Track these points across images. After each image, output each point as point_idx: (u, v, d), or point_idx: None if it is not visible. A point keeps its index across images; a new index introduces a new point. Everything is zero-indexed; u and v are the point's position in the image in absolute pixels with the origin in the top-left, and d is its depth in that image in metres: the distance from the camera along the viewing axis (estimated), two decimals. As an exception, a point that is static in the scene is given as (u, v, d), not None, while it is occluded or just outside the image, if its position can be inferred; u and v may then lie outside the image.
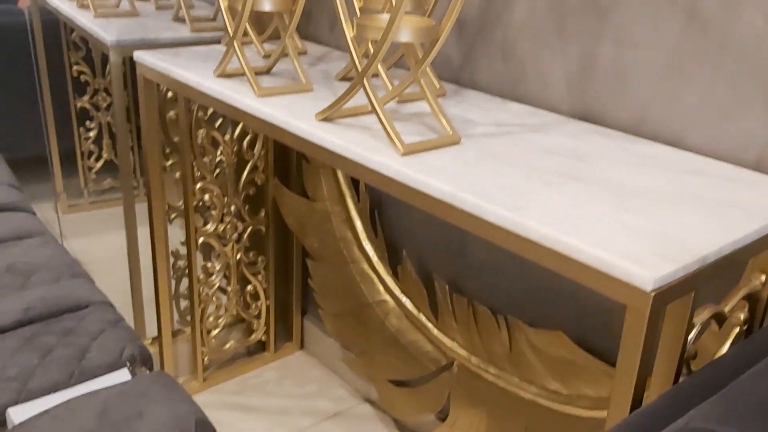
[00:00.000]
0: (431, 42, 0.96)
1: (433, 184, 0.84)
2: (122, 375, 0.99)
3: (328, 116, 1.04)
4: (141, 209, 1.68)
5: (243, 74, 1.19)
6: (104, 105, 2.56)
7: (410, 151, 0.92)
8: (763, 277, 0.87)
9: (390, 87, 1.10)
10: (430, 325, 1.44)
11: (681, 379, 0.78)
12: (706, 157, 0.97)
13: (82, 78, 2.50)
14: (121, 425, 0.86)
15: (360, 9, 1.10)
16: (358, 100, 0.99)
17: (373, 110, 0.94)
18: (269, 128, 1.08)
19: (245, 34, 1.30)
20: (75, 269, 1.22)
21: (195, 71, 1.27)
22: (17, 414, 0.91)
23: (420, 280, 1.45)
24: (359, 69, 0.95)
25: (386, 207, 1.55)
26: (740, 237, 0.74)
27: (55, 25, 2.37)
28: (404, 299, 1.49)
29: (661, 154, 0.98)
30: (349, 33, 0.97)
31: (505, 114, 1.13)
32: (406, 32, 0.94)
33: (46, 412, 0.89)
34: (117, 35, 1.53)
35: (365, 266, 1.57)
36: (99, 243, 2.37)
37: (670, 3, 0.98)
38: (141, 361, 1.03)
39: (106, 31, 1.57)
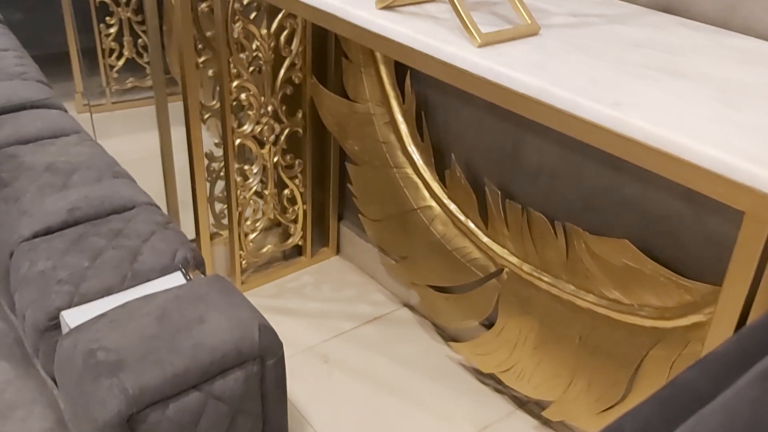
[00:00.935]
0: None
1: (518, 78, 0.76)
2: (176, 279, 0.96)
3: (389, 4, 0.95)
4: (170, 109, 1.62)
5: (290, -41, 1.09)
6: (124, 0, 2.44)
7: (488, 41, 0.84)
8: None
9: (455, -28, 1.00)
10: (479, 231, 1.40)
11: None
12: (808, 53, 0.88)
13: (100, -30, 2.37)
14: (183, 330, 0.83)
15: None
16: (425, -15, 0.91)
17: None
18: (325, 17, 1.00)
19: None
20: (116, 169, 1.17)
21: (236, -45, 1.17)
22: (71, 317, 0.89)
23: (469, 186, 1.40)
24: (431, -51, 0.86)
25: (433, 109, 1.47)
26: None
27: None
28: (452, 205, 1.44)
29: (757, 48, 0.89)
30: None
31: (580, 4, 1.03)
32: None
33: (102, 315, 0.86)
34: None
35: (410, 171, 1.50)
36: (125, 144, 2.31)
37: None
38: (194, 264, 0.99)
39: None
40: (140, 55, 2.55)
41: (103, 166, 1.16)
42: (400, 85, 1.49)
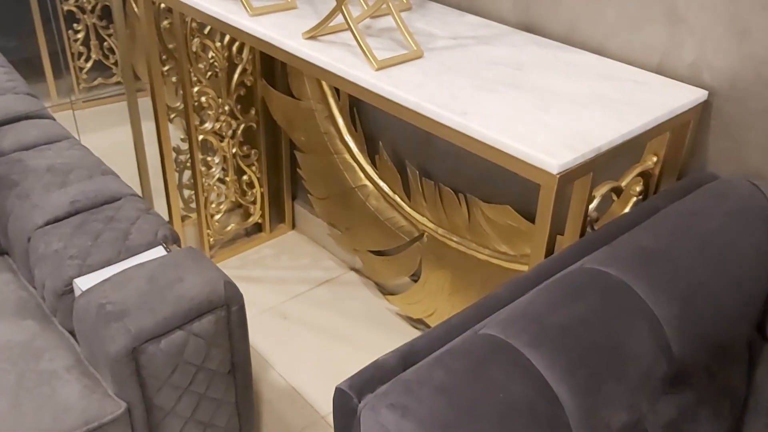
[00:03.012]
0: (397, -29, 1.15)
1: (401, 95, 1.07)
2: (158, 251, 1.25)
3: (313, 35, 1.24)
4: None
5: (235, -6, 1.37)
6: (89, 7, 2.67)
7: (382, 66, 1.14)
8: (655, 158, 1.13)
9: (365, 6, 1.30)
10: (404, 204, 1.71)
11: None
12: (621, 63, 1.20)
13: (66, -18, 2.59)
14: (167, 287, 1.13)
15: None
16: (339, 18, 1.20)
17: (352, 33, 1.15)
18: (263, 45, 1.29)
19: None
20: (103, 167, 1.44)
21: (192, -9, 1.45)
22: (83, 283, 1.18)
23: (394, 167, 1.71)
24: (338, -3, 1.15)
25: (364, 104, 1.77)
26: (630, 130, 0.99)
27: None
28: (381, 183, 1.75)
29: (586, 61, 1.21)
30: (328, -34, 1.16)
31: (462, 26, 1.34)
32: (376, -35, 1.13)
33: (106, 280, 1.15)
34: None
35: (347, 156, 1.81)
36: (97, 140, 2.57)
37: (594, -68, 1.18)
38: (171, 240, 1.29)
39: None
40: (106, 57, 2.79)
41: (92, 165, 1.44)
42: (335, 85, 1.78)
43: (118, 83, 2.82)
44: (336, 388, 0.76)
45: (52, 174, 1.40)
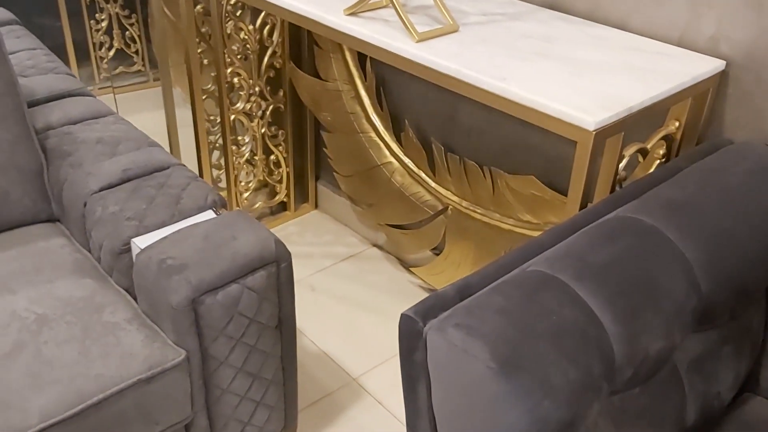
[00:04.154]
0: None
1: (443, 63, 1.15)
2: (209, 215, 1.33)
3: (354, 11, 1.33)
4: (154, 94, 1.94)
5: (275, -25, 1.45)
6: (112, -3, 2.75)
7: (422, 38, 1.22)
8: (677, 123, 1.21)
9: (400, -15, 1.38)
10: (428, 179, 1.79)
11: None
12: (643, 37, 1.29)
13: (91, -28, 2.67)
14: (223, 244, 1.21)
15: None
16: (379, -2, 1.28)
17: (394, 8, 1.24)
18: (306, 22, 1.37)
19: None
20: (149, 140, 1.52)
21: (233, -27, 1.53)
22: (140, 242, 1.25)
23: (420, 144, 1.79)
24: (381, -26, 1.24)
25: (389, 84, 1.85)
26: (656, 94, 1.08)
27: None
28: (407, 160, 1.83)
29: (611, 35, 1.29)
30: (372, -55, 1.24)
31: (490, 4, 1.42)
32: (417, -56, 1.21)
33: (164, 238, 1.23)
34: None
35: (373, 135, 1.89)
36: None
37: None
38: (220, 204, 1.36)
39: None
40: (128, 46, 2.87)
41: (139, 138, 1.51)
42: (362, 67, 1.86)
43: (138, 71, 2.89)
44: (402, 314, 0.84)
45: (102, 145, 1.47)
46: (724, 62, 1.18)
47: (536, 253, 0.94)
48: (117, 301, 1.26)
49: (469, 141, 1.70)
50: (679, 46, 1.25)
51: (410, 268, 1.96)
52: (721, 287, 0.96)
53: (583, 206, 1.06)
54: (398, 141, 1.85)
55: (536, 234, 1.55)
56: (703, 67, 1.17)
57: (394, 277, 1.98)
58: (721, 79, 1.20)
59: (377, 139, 1.88)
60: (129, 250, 1.28)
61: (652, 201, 1.01)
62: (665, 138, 1.21)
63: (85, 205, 1.35)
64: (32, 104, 1.57)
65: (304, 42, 1.97)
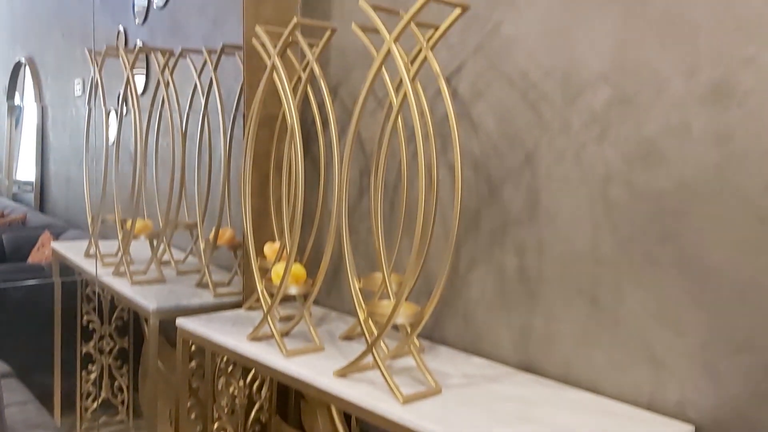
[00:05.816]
0: (416, 321, 1.38)
1: (429, 427, 1.20)
2: None
3: (343, 374, 1.42)
4: None
5: (270, 337, 1.58)
6: (107, 349, 2.87)
7: (408, 400, 1.29)
8: (661, 489, 1.22)
9: (386, 349, 1.50)
10: None
11: None
12: (614, 400, 1.37)
13: (90, 326, 2.83)
14: None
15: (360, 290, 1.53)
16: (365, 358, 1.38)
17: (381, 373, 1.33)
18: (297, 383, 1.45)
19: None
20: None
21: (231, 335, 1.65)
22: None
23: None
24: (369, 341, 1.36)
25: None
26: (635, 459, 1.12)
27: (72, 286, 2.77)
28: None
29: (584, 399, 1.37)
30: (362, 316, 1.39)
31: (470, 367, 1.53)
32: (401, 316, 1.36)
33: None
34: (156, 303, 1.93)
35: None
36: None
37: (576, 291, 1.44)
38: None
39: (146, 299, 1.96)
40: (115, 396, 2.91)
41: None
42: (347, 419, 1.90)
43: (121, 421, 2.88)
44: None
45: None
46: (693, 427, 1.25)
47: None
48: None
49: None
50: (649, 409, 1.33)
51: None
52: None
53: None
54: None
55: None
56: (673, 432, 1.23)
57: None
58: (690, 435, 1.25)
59: (361, 497, 1.83)
60: None
61: None
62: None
63: None
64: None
65: (291, 396, 2.03)
